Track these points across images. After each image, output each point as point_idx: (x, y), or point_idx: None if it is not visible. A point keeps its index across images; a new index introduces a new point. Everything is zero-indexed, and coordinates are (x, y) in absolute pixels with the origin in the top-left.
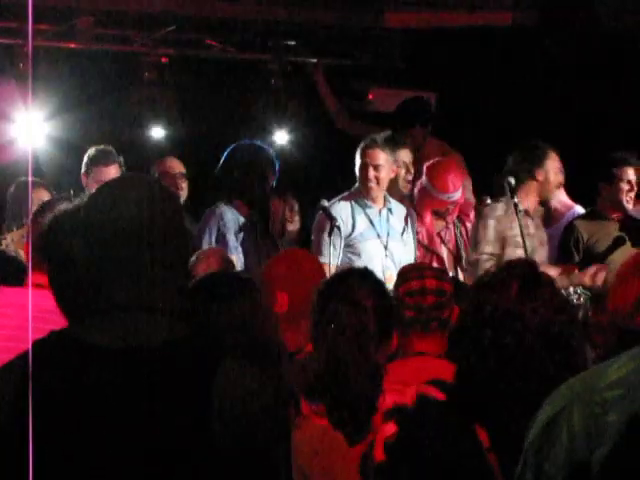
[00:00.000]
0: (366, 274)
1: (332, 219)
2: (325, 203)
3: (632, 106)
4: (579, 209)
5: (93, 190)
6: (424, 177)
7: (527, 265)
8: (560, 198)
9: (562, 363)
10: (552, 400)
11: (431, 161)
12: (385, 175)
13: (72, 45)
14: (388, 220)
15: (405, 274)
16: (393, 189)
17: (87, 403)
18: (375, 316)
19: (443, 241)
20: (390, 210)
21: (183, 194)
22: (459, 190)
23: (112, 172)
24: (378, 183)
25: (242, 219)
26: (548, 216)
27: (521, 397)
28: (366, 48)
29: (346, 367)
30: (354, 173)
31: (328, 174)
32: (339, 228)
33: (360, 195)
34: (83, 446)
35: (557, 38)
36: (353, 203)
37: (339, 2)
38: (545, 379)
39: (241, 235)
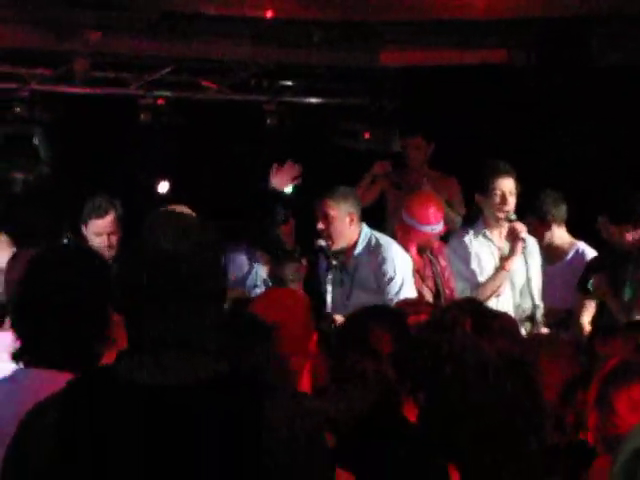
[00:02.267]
0: (384, 313)
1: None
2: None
3: (628, 142)
4: (583, 245)
5: (91, 240)
6: (404, 212)
7: (474, 300)
8: (560, 235)
9: (522, 390)
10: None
11: (410, 195)
12: (336, 225)
13: (69, 89)
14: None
15: (415, 306)
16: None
17: (129, 444)
18: (395, 364)
19: (422, 279)
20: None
21: None
22: (441, 222)
23: (108, 221)
24: (328, 235)
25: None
26: (549, 254)
27: (489, 428)
28: (361, 87)
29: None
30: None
31: None
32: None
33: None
34: None
35: (551, 75)
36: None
37: (333, 41)
38: (509, 408)
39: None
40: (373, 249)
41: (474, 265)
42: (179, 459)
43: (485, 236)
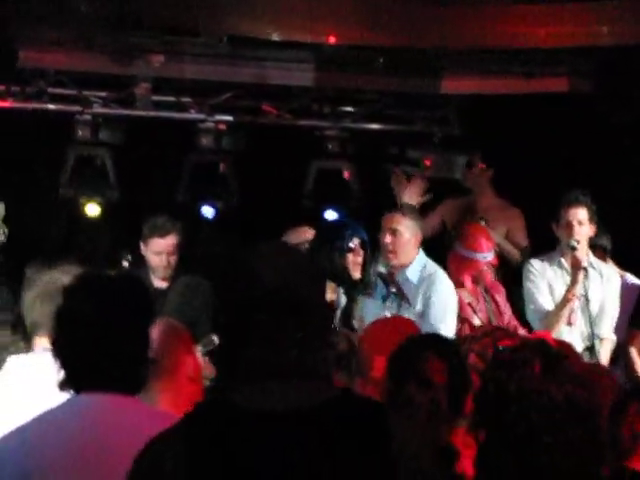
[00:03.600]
0: (440, 344)
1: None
2: None
3: None
4: (631, 277)
5: (150, 260)
6: (457, 242)
7: (545, 342)
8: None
9: (586, 438)
10: None
11: (463, 227)
12: (403, 241)
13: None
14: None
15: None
16: None
17: (265, 471)
18: (449, 394)
19: (474, 311)
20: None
21: None
22: (492, 251)
23: (169, 242)
24: (393, 250)
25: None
26: None
27: (550, 473)
28: (422, 114)
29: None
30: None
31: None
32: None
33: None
34: None
35: (613, 104)
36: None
37: (395, 68)
38: (572, 455)
39: None
40: (428, 275)
41: (546, 293)
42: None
43: (560, 265)
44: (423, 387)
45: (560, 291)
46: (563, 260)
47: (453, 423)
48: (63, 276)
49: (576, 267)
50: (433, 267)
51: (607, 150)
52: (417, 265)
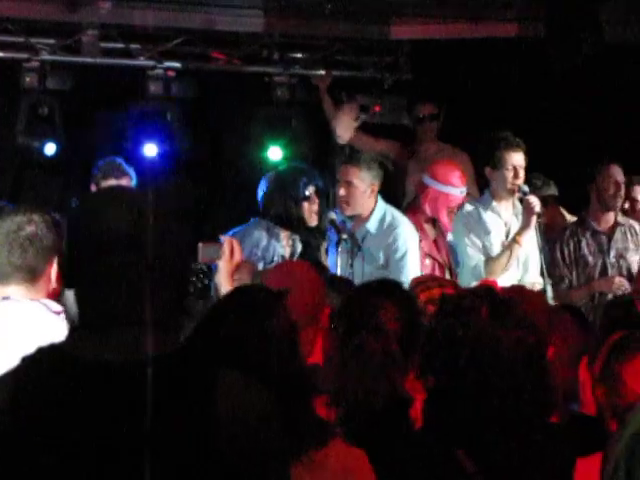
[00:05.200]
0: (393, 291)
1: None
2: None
3: (635, 118)
4: None
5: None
6: (432, 179)
7: (491, 289)
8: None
9: (536, 382)
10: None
11: (433, 163)
12: (358, 193)
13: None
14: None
15: (425, 282)
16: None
17: (82, 421)
18: (401, 341)
19: (438, 248)
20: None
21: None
22: (466, 185)
23: (123, 184)
24: (346, 201)
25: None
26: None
27: (502, 417)
28: (372, 60)
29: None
30: None
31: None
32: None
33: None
34: (82, 467)
35: (561, 49)
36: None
37: (345, 14)
38: (522, 399)
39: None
40: (388, 225)
41: (484, 238)
42: (130, 438)
43: (493, 210)
44: (376, 334)
45: (497, 235)
46: (495, 204)
47: (405, 370)
48: (28, 224)
49: (529, 212)
50: (392, 215)
51: (551, 95)
52: (376, 215)
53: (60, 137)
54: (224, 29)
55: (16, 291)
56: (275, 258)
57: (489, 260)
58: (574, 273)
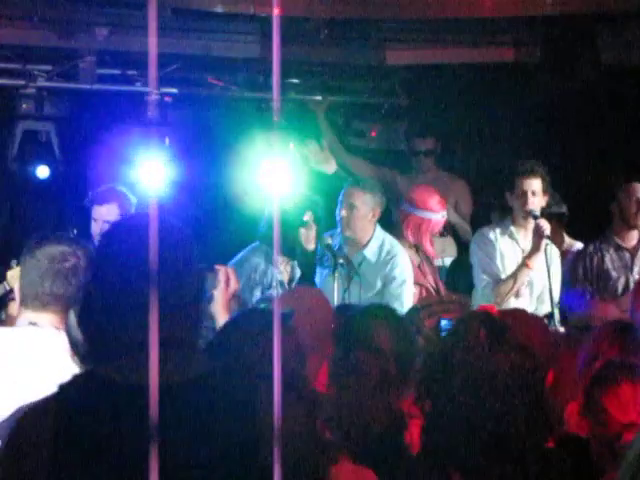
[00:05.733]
0: (388, 314)
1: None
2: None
3: (634, 141)
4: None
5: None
6: (411, 206)
7: (489, 313)
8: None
9: (532, 407)
10: None
11: (411, 190)
12: (359, 216)
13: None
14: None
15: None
16: None
17: (127, 444)
18: (396, 361)
19: (423, 274)
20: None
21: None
22: (445, 210)
23: (110, 211)
24: (348, 224)
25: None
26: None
27: (497, 441)
28: (368, 85)
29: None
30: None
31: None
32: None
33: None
34: None
35: (559, 74)
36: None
37: (341, 40)
38: (517, 423)
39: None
40: (386, 253)
41: (498, 262)
42: (177, 457)
43: (511, 235)
44: (372, 354)
45: (511, 261)
46: (514, 229)
47: (401, 390)
48: (72, 255)
49: (539, 235)
50: (390, 243)
51: (551, 120)
52: (375, 243)
53: (56, 162)
54: (221, 55)
55: (49, 319)
56: (273, 283)
57: (498, 283)
58: (595, 287)
